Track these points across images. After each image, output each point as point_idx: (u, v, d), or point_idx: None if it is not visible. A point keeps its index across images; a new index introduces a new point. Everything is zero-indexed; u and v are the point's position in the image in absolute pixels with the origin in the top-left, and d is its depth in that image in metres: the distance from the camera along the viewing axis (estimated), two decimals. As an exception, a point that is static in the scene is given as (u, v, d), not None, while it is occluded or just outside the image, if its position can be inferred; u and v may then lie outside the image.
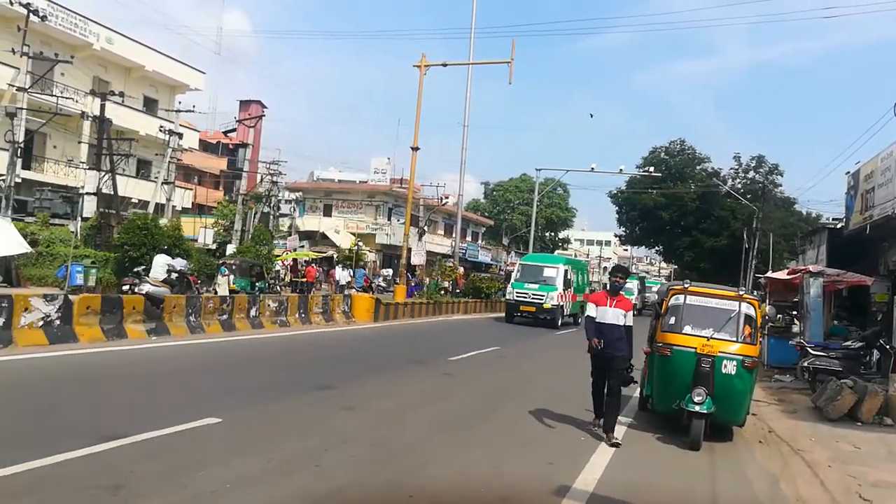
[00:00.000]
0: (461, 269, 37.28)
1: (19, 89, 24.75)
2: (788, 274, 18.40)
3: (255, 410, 7.46)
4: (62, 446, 5.32)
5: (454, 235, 36.85)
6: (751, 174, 52.02)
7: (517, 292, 24.50)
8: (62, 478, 4.81)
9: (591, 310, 7.93)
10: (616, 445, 7.35)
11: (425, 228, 44.17)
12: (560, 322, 24.19)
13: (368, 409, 8.26)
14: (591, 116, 62.94)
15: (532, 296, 24.07)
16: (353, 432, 7.06)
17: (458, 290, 32.71)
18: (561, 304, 24.13)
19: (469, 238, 59.25)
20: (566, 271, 25.03)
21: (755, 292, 19.65)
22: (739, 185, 50.87)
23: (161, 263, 16.76)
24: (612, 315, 7.72)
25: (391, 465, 6.09)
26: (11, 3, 25.49)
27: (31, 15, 24.83)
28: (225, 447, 5.97)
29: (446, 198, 51.90)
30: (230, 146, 49.40)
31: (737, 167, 52.77)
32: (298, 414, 7.61)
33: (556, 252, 63.66)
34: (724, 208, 49.86)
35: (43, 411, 6.64)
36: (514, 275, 25.92)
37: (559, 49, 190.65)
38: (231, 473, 5.27)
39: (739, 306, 8.07)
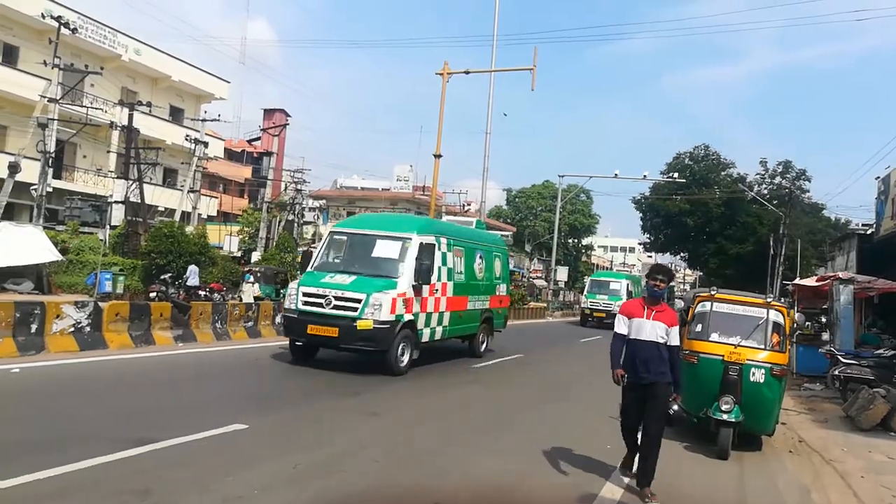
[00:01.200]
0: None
1: (51, 100, 25.29)
2: (817, 281, 18.11)
3: (281, 416, 7.51)
4: (93, 451, 5.41)
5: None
6: (777, 180, 51.43)
7: (305, 293, 14.01)
8: (92, 482, 4.89)
9: (619, 324, 6.02)
10: None
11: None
12: (406, 357, 12.83)
13: (392, 416, 8.27)
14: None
15: (333, 301, 11.29)
16: (378, 438, 7.08)
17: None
18: (405, 316, 12.30)
19: (491, 245, 59.10)
20: (426, 247, 12.20)
21: (783, 299, 19.40)
22: (766, 191, 50.26)
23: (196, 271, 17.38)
24: (649, 330, 5.85)
25: (416, 471, 6.09)
26: (43, 17, 26.10)
27: (62, 28, 25.38)
28: (251, 453, 6.01)
29: (468, 204, 51.96)
30: (255, 154, 49.95)
31: (763, 172, 52.24)
32: (323, 420, 7.64)
33: (619, 271, 62.47)
34: (749, 214, 49.27)
35: (74, 416, 6.75)
36: (314, 257, 17.28)
37: (582, 55, 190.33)
38: (258, 479, 5.30)
39: (767, 313, 7.97)
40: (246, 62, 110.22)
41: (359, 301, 10.61)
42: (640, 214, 56.32)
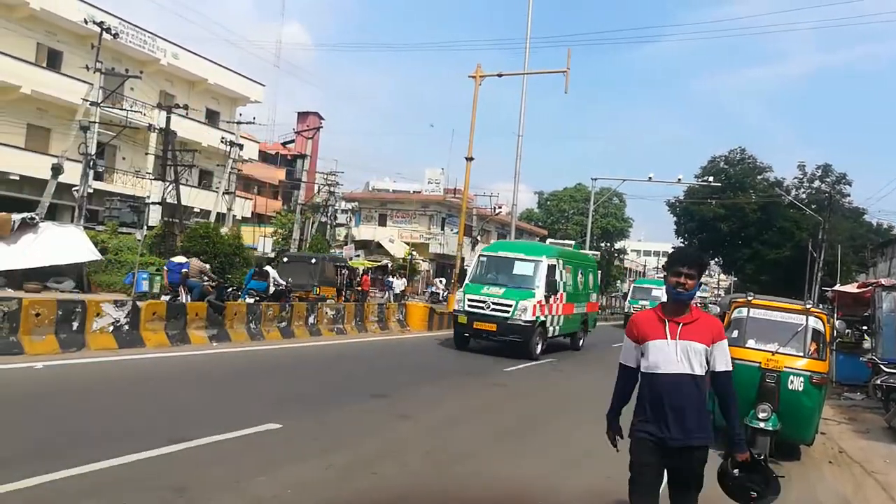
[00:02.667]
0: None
1: (93, 104, 25.91)
2: (858, 287, 17.65)
3: (314, 417, 7.57)
4: (130, 447, 5.52)
5: (508, 245, 36.66)
6: (816, 184, 50.31)
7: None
8: (130, 478, 4.98)
9: (627, 352, 3.79)
10: None
11: (479, 238, 44.19)
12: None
13: (423, 418, 8.28)
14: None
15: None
16: (409, 441, 7.09)
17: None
18: (540, 317, 15.13)
19: (522, 248, 58.88)
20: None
21: (821, 306, 18.96)
22: (804, 195, 49.21)
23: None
24: (676, 356, 3.58)
25: (447, 474, 6.08)
26: (86, 22, 26.76)
27: (104, 33, 25.99)
28: (285, 453, 6.07)
29: (500, 207, 51.83)
30: (288, 157, 50.53)
31: (801, 176, 51.14)
32: (355, 421, 7.68)
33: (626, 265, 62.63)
34: (787, 219, 48.28)
35: (113, 413, 6.89)
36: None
37: (616, 57, 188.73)
38: (291, 479, 5.35)
39: (807, 320, 7.79)
40: (280, 66, 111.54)
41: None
42: (675, 218, 55.61)
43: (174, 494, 4.75)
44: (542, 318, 15.21)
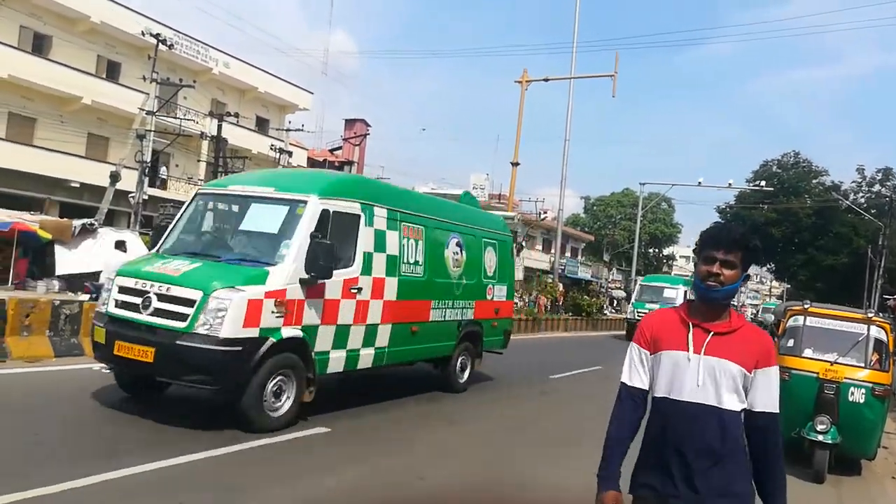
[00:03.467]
0: (561, 287, 36.80)
1: (149, 113, 26.74)
2: (921, 295, 16.97)
3: (361, 421, 7.63)
4: (187, 448, 5.65)
5: (553, 251, 36.53)
6: (876, 188, 48.61)
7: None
8: (186, 478, 5.11)
9: (633, 366, 2.66)
10: None
11: (523, 244, 43.97)
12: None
13: (470, 424, 8.27)
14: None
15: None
16: (455, 447, 7.09)
17: (558, 307, 32.32)
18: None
19: (568, 254, 58.45)
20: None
21: (882, 314, 18.25)
22: (863, 200, 47.63)
23: None
24: (698, 378, 2.47)
25: (494, 481, 6.06)
26: (143, 34, 27.65)
27: (159, 45, 26.82)
28: (333, 456, 6.14)
29: (545, 213, 51.51)
30: (336, 163, 51.18)
31: (860, 180, 49.54)
32: (403, 426, 7.72)
33: (673, 273, 61.49)
34: (844, 224, 46.77)
35: (170, 413, 7.06)
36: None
37: (665, 60, 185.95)
38: (337, 481, 5.41)
39: (868, 329, 7.52)
40: (328, 73, 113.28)
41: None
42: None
43: (226, 492, 4.87)
44: (292, 331, 6.82)
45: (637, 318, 25.59)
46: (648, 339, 2.61)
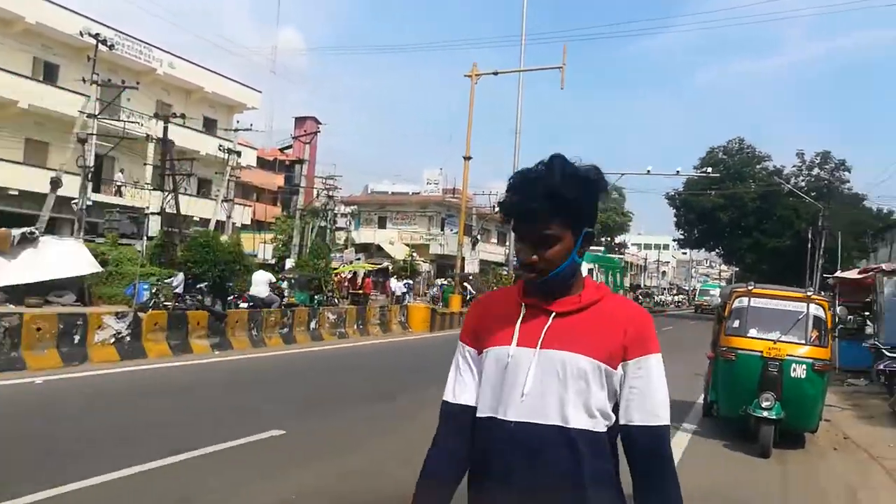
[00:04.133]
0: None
1: (89, 116, 25.93)
2: (859, 273, 17.64)
3: (318, 422, 7.57)
4: (132, 459, 5.51)
5: (508, 243, 36.79)
6: (815, 171, 50.30)
7: None
8: (132, 490, 4.99)
9: (457, 374, 1.84)
10: None
11: (479, 237, 44.16)
12: None
13: (430, 420, 8.26)
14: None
15: None
16: (417, 444, 7.07)
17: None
18: None
19: (523, 245, 58.88)
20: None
21: (823, 293, 18.94)
22: (803, 183, 49.19)
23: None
24: (530, 385, 1.61)
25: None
26: (81, 35, 26.77)
27: (99, 45, 26.01)
28: (289, 459, 6.07)
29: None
30: (287, 163, 50.49)
31: (800, 164, 51.15)
32: (361, 425, 7.69)
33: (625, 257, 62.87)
34: (786, 207, 48.28)
35: (114, 426, 6.90)
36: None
37: (612, 52, 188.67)
38: (296, 485, 5.36)
39: (808, 307, 7.78)
40: (276, 71, 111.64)
41: None
42: (674, 211, 55.63)
43: None
44: None
45: None
46: (472, 331, 1.77)
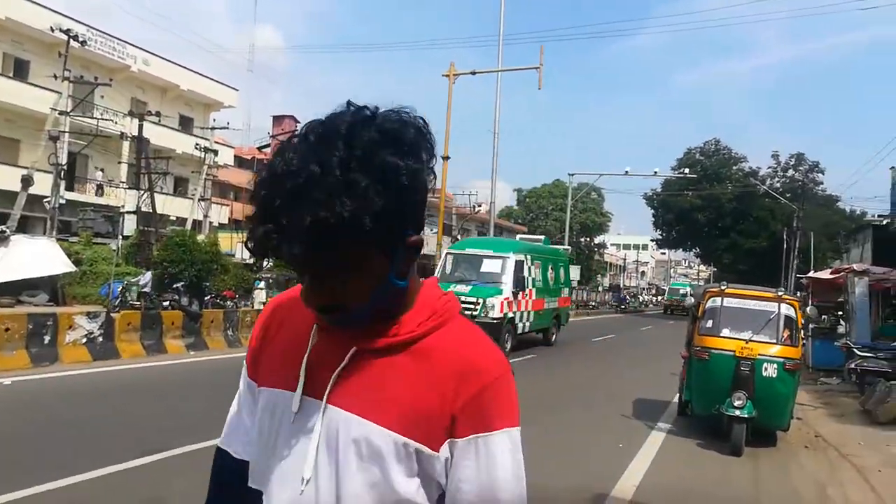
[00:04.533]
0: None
1: (62, 113, 25.54)
2: (832, 273, 17.93)
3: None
4: (103, 461, 5.43)
5: (488, 243, 36.86)
6: (790, 172, 51.12)
7: None
8: (103, 492, 4.91)
9: (236, 412, 1.21)
10: None
11: (458, 237, 44.17)
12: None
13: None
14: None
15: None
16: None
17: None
18: (509, 314, 15.25)
19: (503, 245, 59.05)
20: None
21: (798, 293, 19.22)
22: (778, 185, 49.92)
23: None
24: (313, 464, 1.00)
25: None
26: (52, 30, 26.35)
27: (71, 41, 25.61)
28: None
29: (479, 205, 51.90)
30: (265, 161, 50.08)
31: (775, 166, 51.96)
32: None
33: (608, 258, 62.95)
34: (762, 208, 48.98)
35: (87, 426, 6.78)
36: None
37: (590, 53, 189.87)
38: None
39: (779, 307, 7.88)
40: (254, 69, 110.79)
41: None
42: (652, 211, 56.15)
43: (148, 506, 4.70)
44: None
45: None
46: (254, 350, 1.18)
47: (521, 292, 15.84)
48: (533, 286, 16.80)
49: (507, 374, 1.06)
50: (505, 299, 15.05)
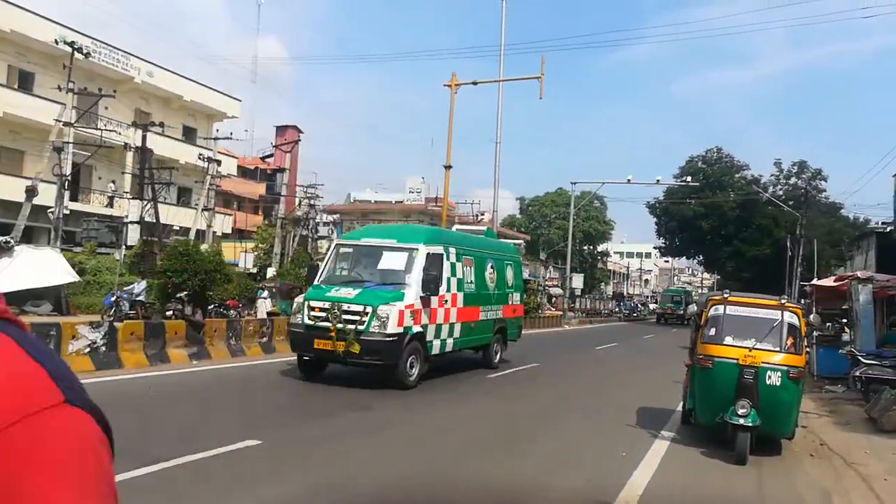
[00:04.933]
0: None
1: (66, 124, 25.65)
2: (835, 281, 17.88)
3: (295, 432, 7.51)
4: (106, 470, 5.42)
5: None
6: (793, 180, 51.10)
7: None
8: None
9: None
10: None
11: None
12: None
13: (408, 429, 8.25)
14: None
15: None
16: (394, 453, 7.05)
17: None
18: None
19: (506, 254, 59.00)
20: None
21: (802, 301, 19.16)
22: (781, 192, 49.91)
23: None
24: None
25: (432, 485, 6.06)
26: (57, 43, 26.52)
27: (75, 53, 25.77)
28: (266, 469, 6.01)
29: (482, 214, 51.96)
30: (268, 171, 50.30)
31: (778, 174, 51.92)
32: (338, 435, 7.63)
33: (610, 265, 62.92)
34: (765, 216, 48.94)
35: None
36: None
37: (591, 63, 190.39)
38: (272, 495, 5.30)
39: (782, 315, 7.86)
40: (257, 80, 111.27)
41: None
42: (655, 219, 56.11)
43: (150, 516, 4.69)
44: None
45: (307, 321, 10.86)
46: None
47: (434, 297, 11.35)
48: (460, 289, 12.41)
49: (40, 416, 0.64)
50: (407, 307, 10.58)
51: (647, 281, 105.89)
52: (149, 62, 34.23)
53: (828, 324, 16.61)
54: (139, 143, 27.32)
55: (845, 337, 15.76)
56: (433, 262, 11.58)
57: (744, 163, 53.67)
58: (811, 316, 10.32)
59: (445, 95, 25.23)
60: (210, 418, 8.06)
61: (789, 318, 7.85)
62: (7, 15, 27.08)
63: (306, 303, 10.97)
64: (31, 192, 22.46)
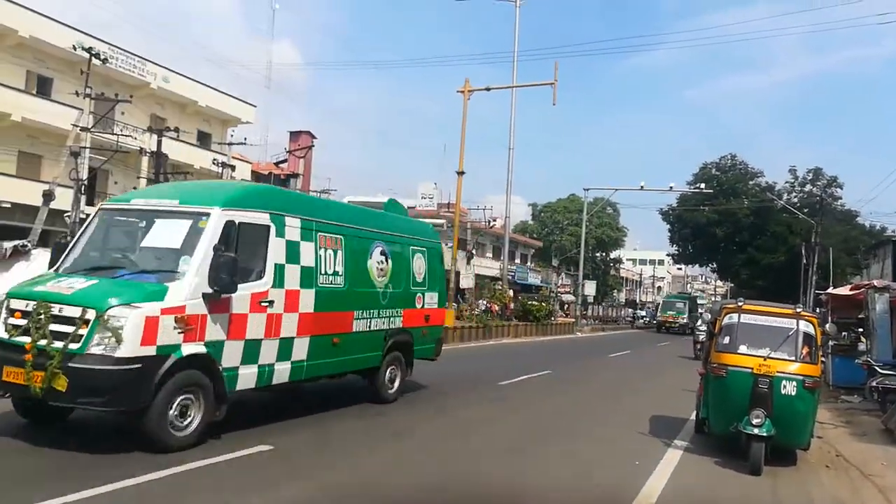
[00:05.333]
0: (510, 292, 37.06)
1: (83, 129, 25.93)
2: (851, 289, 17.69)
3: (306, 436, 7.51)
4: (119, 475, 5.46)
5: (502, 258, 36.87)
6: (808, 188, 50.75)
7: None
8: (124, 502, 4.93)
9: None
10: None
11: (473, 252, 44.24)
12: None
13: (419, 435, 8.23)
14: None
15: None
16: (405, 459, 7.05)
17: (507, 314, 32.52)
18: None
19: (518, 260, 59.02)
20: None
21: (817, 309, 18.99)
22: (796, 200, 49.56)
23: None
24: None
25: (445, 490, 6.05)
26: (75, 49, 26.83)
27: (93, 59, 26.07)
28: (277, 473, 6.02)
29: (494, 220, 51.93)
30: (282, 176, 50.52)
31: (793, 181, 51.60)
32: (350, 439, 7.63)
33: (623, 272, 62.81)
34: (780, 223, 48.60)
35: (100, 440, 6.82)
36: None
37: (605, 69, 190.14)
38: (284, 501, 5.30)
39: (797, 324, 7.79)
40: (271, 86, 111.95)
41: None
42: (668, 226, 55.90)
43: (163, 520, 4.71)
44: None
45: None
46: None
47: (238, 295, 6.92)
48: (308, 285, 8.03)
49: None
50: (168, 311, 6.30)
51: (659, 288, 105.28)
52: (165, 67, 34.55)
53: (844, 333, 16.43)
54: (154, 148, 27.60)
55: (861, 346, 15.58)
56: (239, 237, 7.09)
57: (758, 170, 53.49)
58: (827, 325, 10.24)
59: (458, 101, 25.30)
60: (221, 423, 8.08)
61: (805, 326, 7.78)
62: (26, 21, 27.45)
63: (6, 302, 6.61)
64: (48, 196, 22.68)
